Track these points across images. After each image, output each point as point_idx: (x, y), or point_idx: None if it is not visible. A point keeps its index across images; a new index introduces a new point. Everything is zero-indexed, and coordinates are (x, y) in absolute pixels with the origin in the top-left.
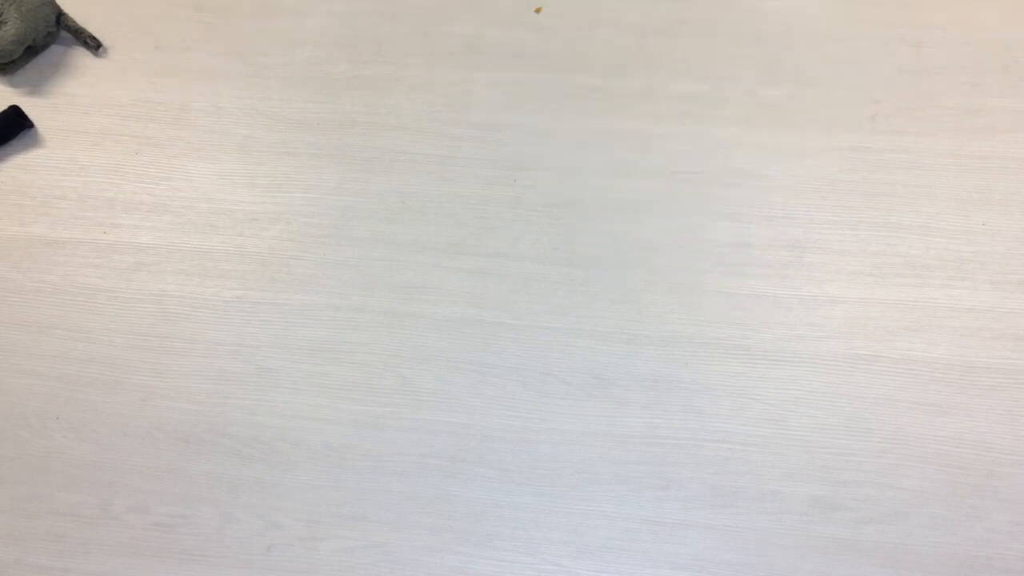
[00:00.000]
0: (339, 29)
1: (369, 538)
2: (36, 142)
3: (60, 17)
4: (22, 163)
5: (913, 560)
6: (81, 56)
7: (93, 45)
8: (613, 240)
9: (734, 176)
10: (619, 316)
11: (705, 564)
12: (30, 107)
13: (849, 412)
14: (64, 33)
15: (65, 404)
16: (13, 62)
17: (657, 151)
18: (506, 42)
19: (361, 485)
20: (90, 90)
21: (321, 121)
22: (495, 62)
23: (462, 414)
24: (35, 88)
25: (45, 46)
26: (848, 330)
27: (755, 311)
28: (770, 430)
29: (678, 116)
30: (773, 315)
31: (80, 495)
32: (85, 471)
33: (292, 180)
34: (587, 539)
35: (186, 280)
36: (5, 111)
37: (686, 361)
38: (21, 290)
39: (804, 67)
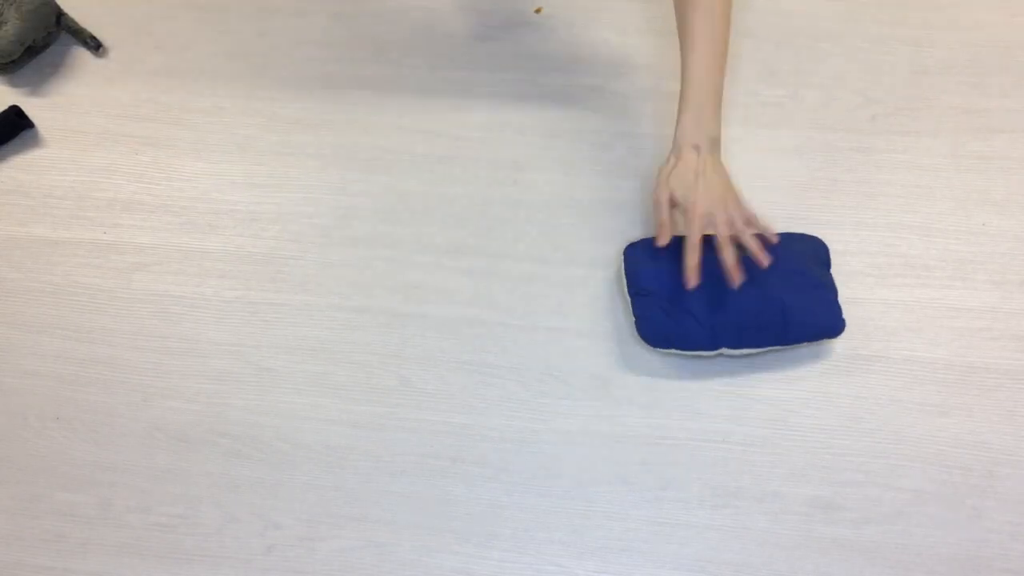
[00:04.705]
0: (339, 29)
1: (369, 538)
2: (36, 142)
3: (60, 17)
4: (22, 163)
5: (913, 560)
6: (81, 56)
7: (93, 45)
8: (614, 240)
9: (734, 176)
10: (619, 316)
11: (705, 564)
12: (30, 107)
13: (849, 412)
14: (64, 33)
15: (65, 404)
16: (13, 62)
17: (657, 152)
18: (506, 42)
19: (361, 485)
20: (90, 90)
21: (321, 121)
22: (495, 62)
23: (462, 414)
24: (35, 88)
25: (45, 46)
26: (849, 330)
27: None
28: (770, 430)
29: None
30: None
31: (80, 495)
32: (85, 471)
33: (292, 180)
34: (587, 539)
35: (186, 280)
36: (5, 111)
37: (686, 361)
38: (21, 290)
39: (804, 67)
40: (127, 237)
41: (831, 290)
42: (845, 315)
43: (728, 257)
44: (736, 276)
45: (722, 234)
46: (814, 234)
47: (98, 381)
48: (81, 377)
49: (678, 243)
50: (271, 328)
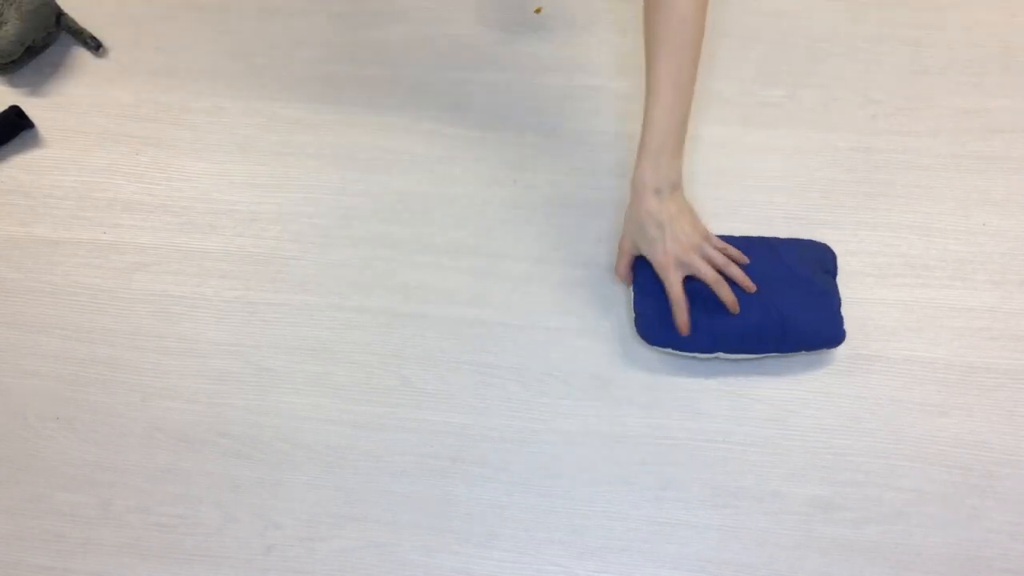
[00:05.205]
0: (339, 29)
1: (369, 538)
2: (36, 142)
3: (60, 17)
4: (22, 163)
5: (913, 560)
6: (81, 56)
7: (93, 45)
8: (613, 240)
9: (734, 176)
10: (619, 316)
11: (705, 564)
12: (30, 107)
13: (849, 412)
14: (64, 33)
15: (65, 404)
16: (13, 62)
17: None
18: (506, 42)
19: (361, 485)
20: (90, 90)
21: (321, 121)
22: (495, 62)
23: (462, 414)
24: (35, 88)
25: (45, 46)
26: (848, 330)
27: None
28: (770, 430)
29: None
30: None
31: (80, 495)
32: (85, 471)
33: (292, 180)
34: (587, 539)
35: (186, 280)
36: (5, 111)
37: (686, 361)
38: (21, 290)
39: (803, 67)
40: (127, 237)
41: (834, 299)
42: (845, 315)
43: (726, 295)
44: (736, 309)
45: (709, 277)
46: (815, 235)
47: (98, 381)
48: (81, 377)
49: None
50: (271, 328)
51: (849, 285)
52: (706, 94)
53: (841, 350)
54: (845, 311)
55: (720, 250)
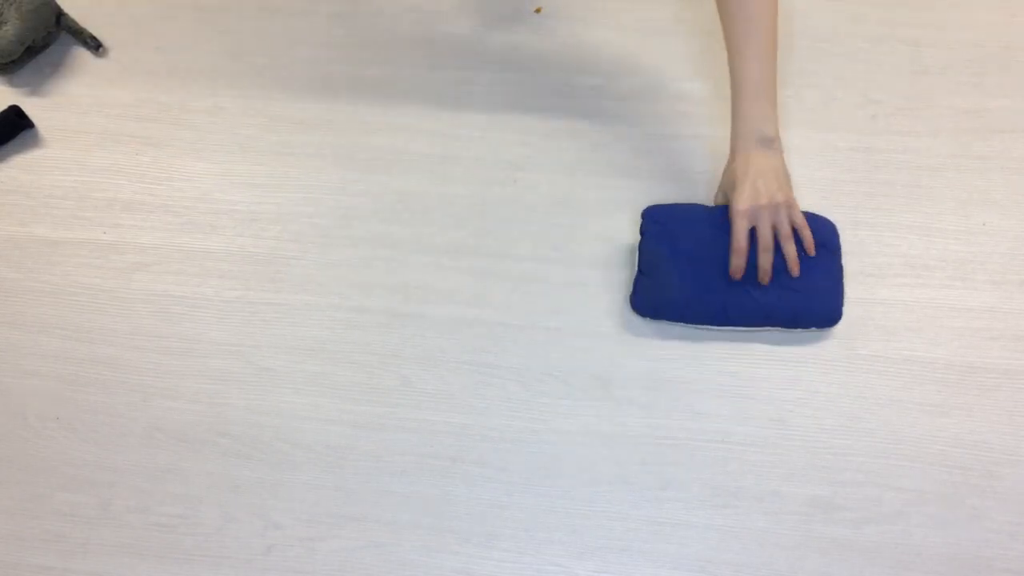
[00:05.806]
0: (339, 29)
1: (369, 538)
2: (36, 142)
3: (60, 17)
4: (22, 163)
5: (913, 560)
6: (81, 56)
7: (93, 45)
8: (613, 240)
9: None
10: (619, 316)
11: (705, 564)
12: (30, 107)
13: (849, 412)
14: (64, 33)
15: (65, 404)
16: (13, 62)
17: (657, 151)
18: (506, 42)
19: (361, 485)
20: (90, 90)
21: (321, 121)
22: (495, 62)
23: (462, 414)
24: (35, 88)
25: (45, 46)
26: (848, 330)
27: None
28: (770, 430)
29: (678, 116)
30: None
31: (80, 495)
32: (85, 471)
33: (292, 180)
34: (587, 539)
35: (186, 280)
36: (5, 111)
37: (686, 361)
38: (21, 290)
39: (804, 67)
40: (127, 237)
41: (834, 278)
42: (846, 314)
43: (763, 264)
44: (767, 280)
45: (763, 239)
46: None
47: (98, 381)
48: (81, 377)
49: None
50: (271, 328)
51: (849, 285)
52: (708, 94)
53: (841, 350)
54: (846, 311)
55: (799, 227)
